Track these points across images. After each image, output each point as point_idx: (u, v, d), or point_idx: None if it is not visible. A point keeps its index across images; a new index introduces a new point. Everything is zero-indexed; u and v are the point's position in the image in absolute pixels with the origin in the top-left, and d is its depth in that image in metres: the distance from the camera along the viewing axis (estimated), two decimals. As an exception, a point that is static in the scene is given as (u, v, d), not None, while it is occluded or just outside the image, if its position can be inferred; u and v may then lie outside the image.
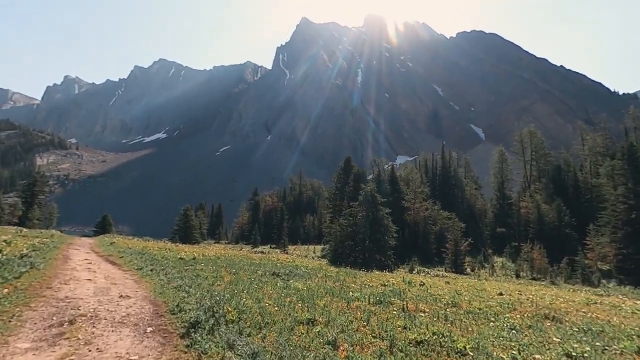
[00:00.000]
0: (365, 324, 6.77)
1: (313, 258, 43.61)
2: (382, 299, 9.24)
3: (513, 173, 64.80)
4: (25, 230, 32.42)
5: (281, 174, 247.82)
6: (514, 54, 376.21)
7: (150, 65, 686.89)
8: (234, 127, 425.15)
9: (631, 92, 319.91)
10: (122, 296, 8.12)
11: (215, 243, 75.62)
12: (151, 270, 12.42)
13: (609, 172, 50.93)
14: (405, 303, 8.95)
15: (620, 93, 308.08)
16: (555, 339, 7.20)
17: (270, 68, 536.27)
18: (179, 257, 17.65)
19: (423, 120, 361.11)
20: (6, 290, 7.35)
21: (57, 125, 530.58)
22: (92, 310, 6.77)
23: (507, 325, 7.78)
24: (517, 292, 16.80)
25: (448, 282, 18.31)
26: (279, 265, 18.86)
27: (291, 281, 12.72)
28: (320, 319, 6.70)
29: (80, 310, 6.77)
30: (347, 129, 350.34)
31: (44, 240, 20.67)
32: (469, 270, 37.99)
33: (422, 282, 16.31)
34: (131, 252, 19.17)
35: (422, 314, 8.16)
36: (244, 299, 7.92)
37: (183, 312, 6.59)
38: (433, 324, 7.18)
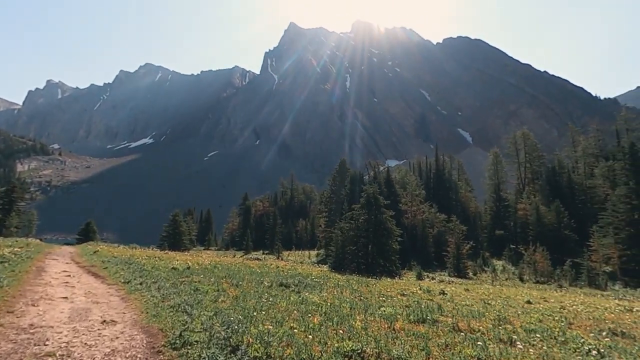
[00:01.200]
0: (426, 355, 5.22)
1: (309, 264, 41.92)
2: (423, 315, 7.70)
3: (508, 175, 64.57)
4: (-1, 238, 29.89)
5: (270, 179, 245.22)
6: (499, 59, 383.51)
7: (136, 70, 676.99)
8: (222, 132, 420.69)
9: (611, 96, 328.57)
10: (105, 321, 6.37)
11: (204, 249, 73.04)
12: (140, 284, 10.61)
13: (605, 172, 50.79)
14: (455, 321, 7.43)
15: (601, 97, 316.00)
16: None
17: (258, 73, 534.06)
18: (171, 266, 15.79)
19: (411, 124, 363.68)
20: (-51, 318, 5.56)
21: (39, 131, 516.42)
22: (63, 346, 5.02)
23: (588, 348, 6.33)
24: (542, 299, 15.50)
25: (467, 289, 16.90)
26: (282, 274, 17.16)
27: (304, 293, 11.09)
28: (369, 349, 5.12)
29: (47, 345, 5.02)
30: (335, 133, 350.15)
31: (17, 249, 18.49)
32: (470, 274, 36.87)
33: (442, 290, 14.84)
34: (116, 261, 17.21)
35: (480, 335, 6.64)
36: (262, 323, 6.27)
37: (188, 347, 4.89)
38: (509, 352, 5.65)
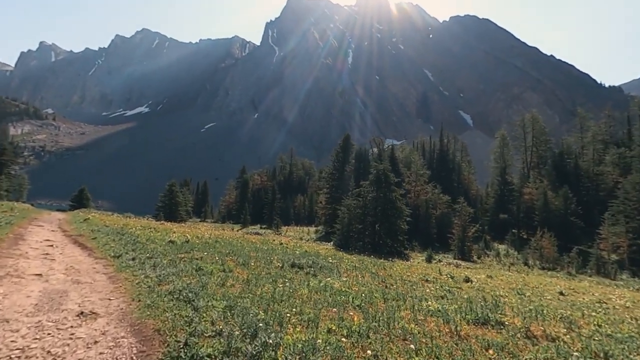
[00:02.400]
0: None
1: (309, 240, 40.85)
2: (482, 315, 6.25)
3: (513, 158, 63.17)
4: (-16, 201, 28.24)
5: (267, 153, 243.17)
6: (506, 41, 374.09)
7: (133, 35, 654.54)
8: (219, 103, 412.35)
9: (616, 84, 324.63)
10: (83, 313, 4.83)
11: (200, 221, 71.99)
12: (133, 259, 9.08)
13: (615, 159, 49.53)
14: (525, 324, 5.98)
15: (606, 85, 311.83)
16: None
17: (258, 44, 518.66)
18: (168, 239, 14.26)
19: (412, 104, 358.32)
20: None
21: (31, 94, 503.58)
22: (15, 355, 3.49)
23: None
24: (571, 290, 14.27)
25: (490, 276, 15.61)
26: (289, 252, 15.76)
27: (321, 276, 9.64)
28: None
29: (-10, 353, 3.49)
30: (335, 110, 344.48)
31: (-1, 213, 16.89)
32: (475, 257, 35.97)
33: (466, 276, 13.49)
34: (107, 231, 15.67)
35: (563, 345, 5.21)
36: (290, 322, 4.77)
37: (198, 364, 3.37)
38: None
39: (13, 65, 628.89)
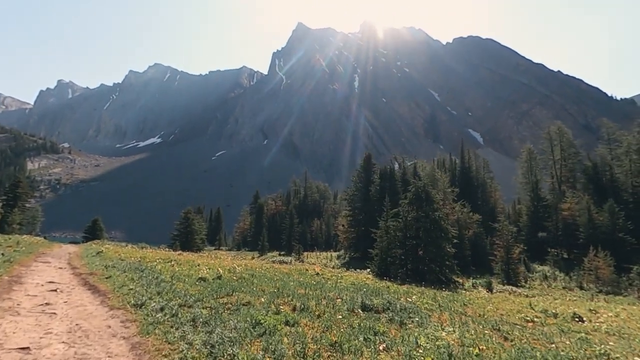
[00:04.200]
0: None
1: (335, 267, 37.86)
2: None
3: (542, 172, 60.01)
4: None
5: (278, 179, 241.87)
6: (511, 58, 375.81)
7: (145, 70, 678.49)
8: (229, 131, 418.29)
9: (628, 96, 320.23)
10: None
11: (215, 249, 69.42)
12: (161, 309, 6.59)
13: (658, 170, 46.21)
14: None
15: (618, 98, 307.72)
16: None
17: (266, 73, 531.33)
18: (195, 275, 11.74)
19: (420, 124, 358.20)
20: None
21: (49, 130, 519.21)
22: None
23: None
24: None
25: (593, 310, 12.56)
26: (339, 285, 13.08)
27: (415, 327, 6.99)
28: None
29: None
30: (343, 133, 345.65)
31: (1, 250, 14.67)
32: (522, 281, 32.44)
33: (575, 314, 10.55)
34: (124, 266, 13.25)
35: None
36: None
37: None
38: None
39: (32, 103, 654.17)
